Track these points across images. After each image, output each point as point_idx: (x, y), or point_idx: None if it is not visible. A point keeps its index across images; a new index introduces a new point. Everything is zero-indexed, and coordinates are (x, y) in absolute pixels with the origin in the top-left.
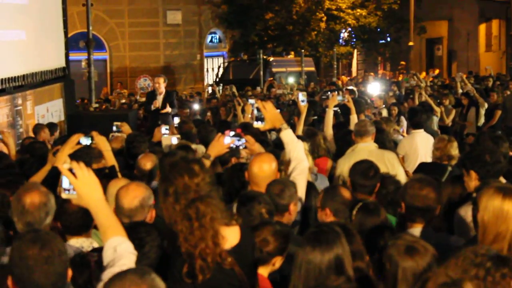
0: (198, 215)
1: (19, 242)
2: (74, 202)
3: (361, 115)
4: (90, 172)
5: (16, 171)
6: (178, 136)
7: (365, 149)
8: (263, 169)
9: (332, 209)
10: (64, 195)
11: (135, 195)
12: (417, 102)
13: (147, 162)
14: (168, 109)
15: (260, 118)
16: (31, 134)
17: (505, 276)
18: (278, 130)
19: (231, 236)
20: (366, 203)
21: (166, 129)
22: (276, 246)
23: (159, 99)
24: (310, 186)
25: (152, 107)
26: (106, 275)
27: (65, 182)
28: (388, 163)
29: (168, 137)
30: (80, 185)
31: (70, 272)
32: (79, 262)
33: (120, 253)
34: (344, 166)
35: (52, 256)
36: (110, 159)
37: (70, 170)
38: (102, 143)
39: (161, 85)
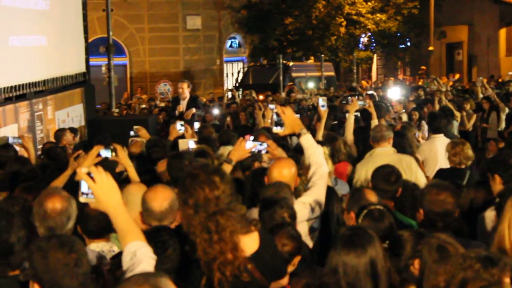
0: (218, 229)
1: (45, 250)
2: (92, 206)
3: (382, 120)
4: (109, 176)
5: (38, 176)
6: (195, 139)
7: (383, 153)
8: (283, 174)
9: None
10: (82, 199)
11: (165, 197)
12: (437, 107)
13: (160, 166)
14: (193, 110)
15: (279, 123)
16: (52, 139)
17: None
18: (298, 135)
19: (250, 243)
20: (371, 210)
21: (181, 124)
22: (295, 246)
23: (183, 104)
24: (331, 191)
25: (176, 112)
26: None
27: (84, 186)
28: (406, 168)
29: (185, 141)
30: (98, 189)
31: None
32: (94, 272)
33: (140, 258)
34: (362, 171)
35: (80, 257)
36: (133, 176)
37: (89, 174)
38: (124, 158)
39: (185, 90)
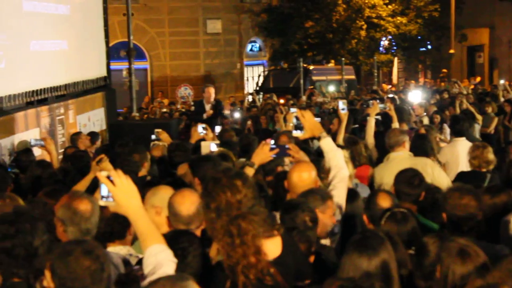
0: (240, 232)
1: (70, 258)
2: (112, 210)
3: (403, 124)
4: (129, 180)
5: (60, 180)
6: (217, 142)
7: (398, 158)
8: (303, 178)
9: (368, 216)
10: (102, 202)
11: (192, 201)
12: (458, 110)
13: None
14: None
15: (299, 127)
16: None
17: None
18: (318, 139)
19: (273, 247)
20: (394, 212)
21: (203, 127)
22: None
23: (208, 107)
24: (354, 194)
25: (205, 116)
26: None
27: (104, 189)
28: (422, 171)
29: (206, 144)
30: (118, 193)
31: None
32: (127, 279)
33: (161, 261)
34: (377, 177)
35: (105, 263)
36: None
37: (109, 177)
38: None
39: (212, 94)
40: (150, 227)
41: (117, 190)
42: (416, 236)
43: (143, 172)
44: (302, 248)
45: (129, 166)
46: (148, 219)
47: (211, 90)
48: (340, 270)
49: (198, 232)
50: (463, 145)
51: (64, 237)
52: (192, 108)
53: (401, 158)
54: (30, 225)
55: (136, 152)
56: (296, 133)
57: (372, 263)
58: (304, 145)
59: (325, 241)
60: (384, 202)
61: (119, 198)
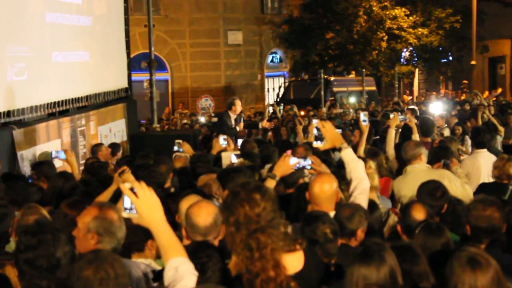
0: (259, 246)
1: (78, 263)
2: (135, 222)
3: (428, 138)
4: (152, 192)
5: (82, 191)
6: (237, 152)
7: (415, 170)
8: (324, 189)
9: (402, 227)
10: (125, 214)
11: (209, 212)
12: (480, 121)
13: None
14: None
15: (319, 138)
16: None
17: None
18: (339, 150)
19: (294, 262)
20: (428, 224)
21: (224, 139)
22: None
23: (233, 119)
24: (373, 206)
25: (238, 128)
26: None
27: (127, 201)
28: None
29: (227, 155)
30: (141, 205)
31: None
32: None
33: (182, 274)
34: (396, 189)
35: (106, 278)
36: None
37: (132, 189)
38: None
39: (239, 106)
40: (172, 240)
41: (140, 202)
42: (450, 248)
43: (167, 183)
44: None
45: (155, 178)
46: (170, 231)
47: (239, 103)
48: (348, 283)
49: (216, 243)
50: (484, 157)
51: (93, 248)
52: (214, 119)
53: (418, 170)
54: (53, 236)
55: (162, 163)
56: (317, 144)
57: (381, 273)
58: (325, 156)
59: None
60: (418, 214)
61: (142, 210)
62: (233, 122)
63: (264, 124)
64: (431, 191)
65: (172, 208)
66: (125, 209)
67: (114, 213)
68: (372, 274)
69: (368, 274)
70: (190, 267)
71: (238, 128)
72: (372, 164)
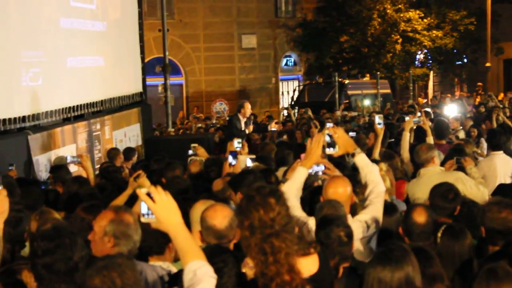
0: (273, 250)
1: (88, 271)
2: (153, 226)
3: (442, 141)
4: (168, 196)
5: (97, 196)
6: (252, 156)
7: (429, 173)
8: (338, 192)
9: (404, 230)
10: (143, 219)
11: (224, 215)
12: (495, 123)
13: (217, 185)
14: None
15: (332, 144)
16: None
17: None
18: (352, 155)
19: (309, 265)
20: (451, 226)
21: (238, 142)
22: None
23: (243, 122)
24: (392, 208)
25: (247, 131)
26: None
27: (144, 207)
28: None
29: (242, 158)
30: (159, 210)
31: None
32: None
33: (200, 277)
34: (411, 192)
35: (124, 284)
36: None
37: (148, 194)
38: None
39: (249, 109)
40: (190, 243)
41: (157, 206)
42: (472, 251)
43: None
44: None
45: (179, 184)
46: (188, 235)
47: (249, 106)
48: (364, 283)
49: (231, 246)
50: (500, 159)
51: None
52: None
53: (432, 173)
54: (70, 240)
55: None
56: (329, 151)
57: (395, 276)
58: (339, 159)
59: (359, 256)
60: (420, 216)
61: (160, 214)
62: (242, 125)
63: (273, 126)
64: (443, 193)
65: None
66: (143, 214)
67: (130, 216)
68: (386, 277)
69: (383, 276)
70: (208, 270)
71: (247, 131)
72: (383, 166)
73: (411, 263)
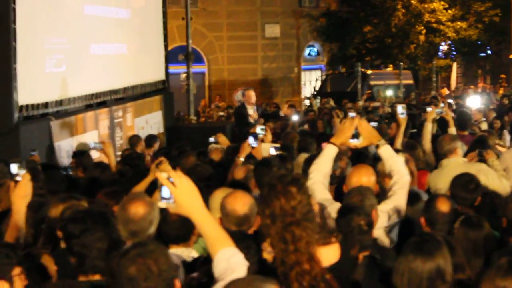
0: (294, 239)
1: (123, 260)
2: (172, 211)
3: (465, 132)
4: (189, 181)
5: (119, 182)
6: (277, 145)
7: (451, 164)
8: (362, 181)
9: (426, 219)
10: (162, 204)
11: (244, 202)
12: None
13: (241, 173)
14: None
15: (356, 136)
16: None
17: None
18: (376, 147)
19: (330, 254)
20: (468, 216)
21: (262, 129)
22: None
23: (251, 111)
24: (416, 196)
25: (252, 120)
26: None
27: (165, 191)
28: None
29: (266, 147)
30: (180, 194)
31: (178, 284)
32: None
33: (234, 266)
34: (432, 182)
35: (150, 275)
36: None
37: (169, 178)
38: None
39: (253, 97)
40: (217, 229)
41: (178, 190)
42: (491, 242)
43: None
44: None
45: (201, 173)
46: (213, 220)
47: (251, 93)
48: (395, 272)
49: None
50: None
51: None
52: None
53: (454, 164)
54: (104, 219)
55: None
56: (354, 142)
57: (426, 267)
58: (361, 149)
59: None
60: (444, 206)
61: (181, 198)
62: (250, 112)
63: (285, 111)
64: (464, 184)
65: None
66: (162, 198)
67: (135, 205)
68: (417, 267)
69: (414, 267)
70: (241, 257)
71: (255, 117)
72: (403, 156)
73: (442, 255)
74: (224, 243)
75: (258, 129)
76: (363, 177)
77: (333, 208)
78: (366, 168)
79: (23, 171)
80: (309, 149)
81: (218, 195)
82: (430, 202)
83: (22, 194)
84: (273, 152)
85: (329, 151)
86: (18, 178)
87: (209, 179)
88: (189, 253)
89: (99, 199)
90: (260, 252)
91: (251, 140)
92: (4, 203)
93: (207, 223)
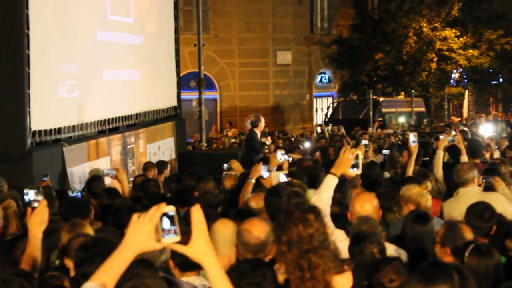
0: (310, 266)
1: None
2: (179, 250)
3: (476, 160)
4: (205, 227)
5: (137, 208)
6: (286, 172)
7: (468, 193)
8: (365, 208)
9: (451, 248)
10: (165, 240)
11: (261, 230)
12: None
13: (256, 201)
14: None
15: (356, 165)
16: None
17: None
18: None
19: (343, 282)
20: (478, 245)
21: (282, 154)
22: (403, 281)
23: (259, 136)
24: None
25: (268, 142)
26: None
27: (165, 222)
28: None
29: (276, 174)
30: (197, 240)
31: None
32: None
33: None
34: (447, 211)
35: None
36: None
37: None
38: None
39: (263, 123)
40: (223, 276)
41: (196, 236)
42: (501, 270)
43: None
44: (397, 283)
45: (210, 200)
46: (220, 266)
47: (263, 120)
48: None
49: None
50: None
51: None
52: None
53: (471, 193)
54: (107, 249)
55: (211, 180)
56: (354, 171)
57: None
58: (376, 177)
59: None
60: (468, 233)
61: (198, 244)
62: (259, 138)
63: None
64: (479, 213)
65: None
66: (163, 230)
67: None
68: None
69: None
70: None
71: (267, 142)
72: (428, 184)
73: (450, 282)
74: None
75: (279, 154)
76: (365, 202)
77: (337, 235)
78: (368, 195)
79: (40, 198)
80: (319, 177)
81: (219, 226)
82: (454, 230)
83: (39, 220)
84: (283, 179)
85: (329, 182)
86: (35, 205)
87: (216, 207)
88: (200, 281)
89: (108, 226)
90: (276, 281)
91: (263, 171)
92: (11, 228)
93: (217, 271)
